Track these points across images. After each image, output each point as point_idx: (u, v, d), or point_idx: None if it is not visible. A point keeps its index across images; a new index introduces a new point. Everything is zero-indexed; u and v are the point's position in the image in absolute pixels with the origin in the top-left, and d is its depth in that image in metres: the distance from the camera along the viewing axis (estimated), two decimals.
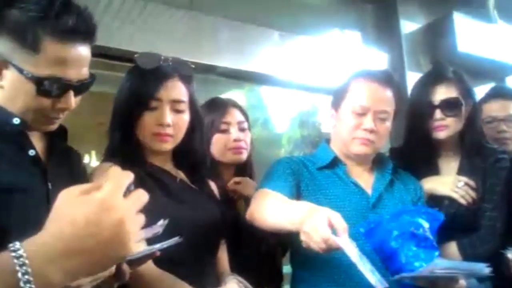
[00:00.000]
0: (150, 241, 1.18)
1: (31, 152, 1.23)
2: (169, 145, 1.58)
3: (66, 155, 1.38)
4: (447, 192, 1.94)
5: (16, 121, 1.20)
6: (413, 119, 2.00)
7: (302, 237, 1.31)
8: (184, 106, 1.59)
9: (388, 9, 4.24)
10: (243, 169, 2.08)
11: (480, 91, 2.63)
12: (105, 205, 0.71)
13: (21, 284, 0.67)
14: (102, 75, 3.17)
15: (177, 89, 1.58)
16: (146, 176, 1.50)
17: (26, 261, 0.68)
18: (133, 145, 1.57)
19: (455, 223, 1.90)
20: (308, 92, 4.10)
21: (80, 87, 1.24)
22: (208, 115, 1.93)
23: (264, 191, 1.63)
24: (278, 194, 1.59)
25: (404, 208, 1.69)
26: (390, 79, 1.79)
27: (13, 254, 0.68)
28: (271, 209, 1.51)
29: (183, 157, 1.67)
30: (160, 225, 1.18)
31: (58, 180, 1.22)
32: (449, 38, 4.09)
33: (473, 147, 2.02)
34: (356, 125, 1.72)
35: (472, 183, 1.94)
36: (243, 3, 3.57)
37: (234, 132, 2.00)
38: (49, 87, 1.17)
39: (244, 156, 2.03)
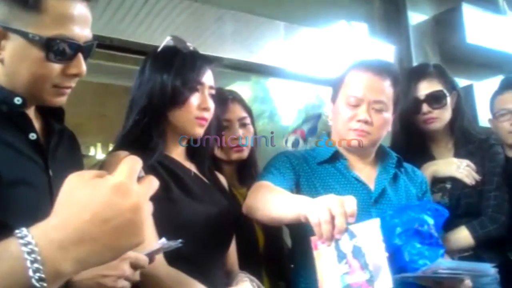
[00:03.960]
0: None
1: (32, 136, 1.12)
2: (203, 131, 1.57)
3: (62, 136, 1.27)
4: (452, 172, 2.00)
5: (18, 100, 1.09)
6: (401, 116, 2.00)
7: (309, 214, 1.23)
8: (214, 93, 1.60)
9: (395, 0, 4.18)
10: (245, 165, 2.04)
11: (490, 83, 2.59)
12: (121, 189, 0.65)
13: (30, 273, 0.61)
14: (105, 66, 3.17)
15: (211, 76, 1.60)
16: (161, 168, 1.48)
17: (35, 248, 0.62)
18: (160, 134, 1.53)
19: (460, 207, 1.98)
20: (315, 84, 4.06)
21: (88, 49, 1.14)
22: None
23: (262, 184, 1.60)
24: (276, 187, 1.55)
25: (408, 204, 1.67)
26: (386, 68, 1.75)
27: (20, 241, 0.62)
28: (270, 200, 1.47)
29: (196, 149, 1.66)
30: (175, 244, 1.18)
31: (58, 166, 1.15)
32: (457, 29, 4.02)
33: (464, 134, 2.11)
34: (351, 117, 1.69)
35: (473, 165, 2.01)
36: None
37: (234, 130, 1.97)
38: (60, 48, 1.06)
39: (245, 153, 1.99)
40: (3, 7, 1.04)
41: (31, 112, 1.17)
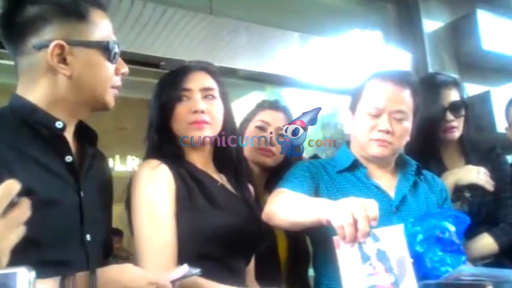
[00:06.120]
0: None
1: (68, 159, 1.18)
2: (207, 132, 1.55)
3: (94, 159, 1.32)
4: (473, 179, 2.01)
5: (59, 124, 1.16)
6: (422, 123, 1.95)
7: (332, 218, 1.25)
8: (216, 94, 1.60)
9: (410, 8, 4.18)
10: (276, 173, 1.95)
11: (507, 89, 2.57)
12: None
13: None
14: (123, 80, 3.20)
15: (205, 78, 1.60)
16: (189, 177, 1.50)
17: None
18: (172, 144, 1.56)
19: (481, 214, 1.99)
20: (330, 94, 4.07)
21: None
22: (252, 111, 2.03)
23: (281, 190, 1.62)
24: (295, 192, 1.57)
25: (430, 211, 1.66)
26: (406, 78, 1.74)
27: None
28: (289, 204, 1.49)
29: (224, 159, 1.66)
30: (195, 272, 1.18)
31: (89, 188, 1.20)
32: (473, 36, 4.00)
33: (471, 143, 2.14)
34: (372, 127, 1.69)
35: (488, 173, 2.03)
36: (262, 5, 3.56)
37: (268, 135, 1.97)
38: (114, 50, 1.21)
39: (270, 161, 1.97)
40: (62, 25, 1.17)
41: (69, 136, 1.23)
